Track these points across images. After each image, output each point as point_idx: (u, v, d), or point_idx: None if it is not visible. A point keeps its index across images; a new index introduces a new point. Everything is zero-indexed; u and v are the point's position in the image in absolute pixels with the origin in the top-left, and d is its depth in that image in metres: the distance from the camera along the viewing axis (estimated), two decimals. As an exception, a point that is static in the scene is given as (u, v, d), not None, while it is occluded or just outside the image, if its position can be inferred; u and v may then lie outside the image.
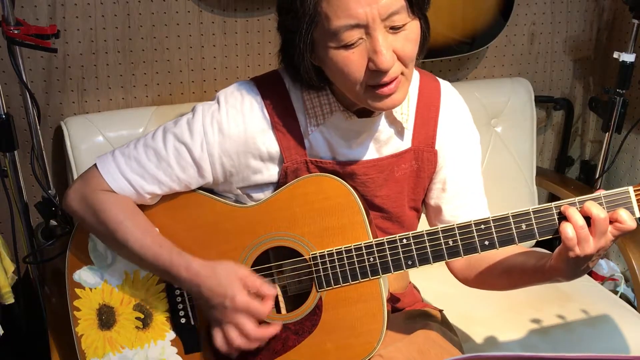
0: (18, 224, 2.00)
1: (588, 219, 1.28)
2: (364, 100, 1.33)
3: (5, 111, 1.85)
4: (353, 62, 1.26)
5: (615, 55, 2.43)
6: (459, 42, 2.41)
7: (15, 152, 1.91)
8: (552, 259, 1.35)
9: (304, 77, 1.36)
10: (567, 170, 2.95)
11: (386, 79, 1.27)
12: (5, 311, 2.04)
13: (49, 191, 1.98)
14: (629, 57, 2.40)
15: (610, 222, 1.29)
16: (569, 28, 2.71)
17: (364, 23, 1.23)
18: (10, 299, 1.93)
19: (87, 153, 2.04)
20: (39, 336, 2.07)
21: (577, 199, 1.32)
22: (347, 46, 1.25)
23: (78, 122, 2.09)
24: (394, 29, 1.25)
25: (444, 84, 1.56)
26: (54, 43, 1.84)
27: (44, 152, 2.03)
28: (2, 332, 1.87)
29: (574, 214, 1.29)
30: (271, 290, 1.40)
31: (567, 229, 1.28)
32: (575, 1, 2.67)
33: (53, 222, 2.02)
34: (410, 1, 1.26)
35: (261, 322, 1.42)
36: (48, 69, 2.13)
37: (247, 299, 1.38)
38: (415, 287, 1.78)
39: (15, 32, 1.75)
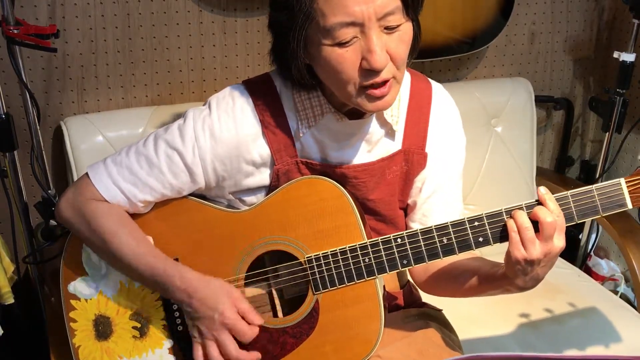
0: (18, 224, 2.00)
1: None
2: (355, 101, 1.32)
3: (5, 111, 1.85)
4: (346, 60, 1.26)
5: (615, 55, 2.44)
6: (459, 42, 2.41)
7: (15, 152, 1.91)
8: (504, 266, 1.36)
9: (295, 75, 1.35)
10: (567, 170, 2.95)
11: (378, 79, 1.27)
12: (5, 311, 2.04)
13: (49, 191, 1.99)
14: (629, 57, 2.41)
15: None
16: (569, 28, 2.72)
17: (359, 21, 1.23)
18: (10, 299, 1.93)
19: (87, 153, 2.04)
20: (38, 336, 2.08)
21: (569, 192, 1.33)
22: (342, 44, 1.25)
23: (78, 122, 2.09)
24: (389, 29, 1.26)
25: (436, 86, 1.56)
26: (54, 43, 1.84)
27: (43, 152, 2.03)
28: (2, 332, 1.87)
29: (521, 216, 1.30)
30: (259, 320, 1.42)
31: (510, 223, 1.31)
32: (575, 1, 2.67)
33: (53, 222, 2.02)
34: (405, 3, 1.26)
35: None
36: (48, 69, 2.14)
37: (236, 317, 1.39)
38: (413, 286, 1.78)
39: (15, 31, 1.76)
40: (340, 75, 1.28)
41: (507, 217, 1.33)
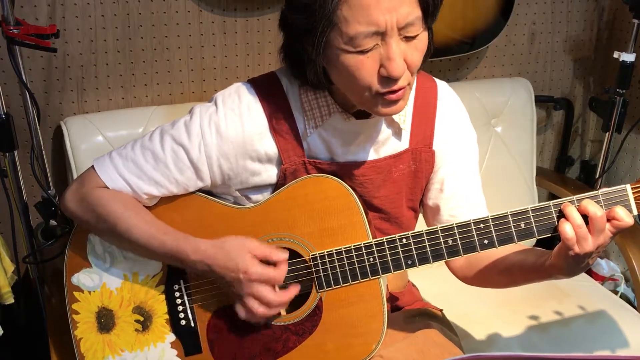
0: (18, 224, 2.00)
1: (586, 217, 1.29)
2: (369, 105, 1.33)
3: (5, 111, 1.85)
4: (365, 67, 1.26)
5: (615, 55, 2.44)
6: (459, 42, 2.41)
7: (15, 152, 1.91)
8: (552, 257, 1.36)
9: (310, 77, 1.35)
10: (567, 170, 2.95)
11: (395, 87, 1.28)
12: (5, 311, 2.04)
13: (49, 191, 1.99)
14: (629, 57, 2.41)
15: (608, 220, 1.29)
16: (569, 28, 2.72)
17: (382, 30, 1.23)
18: (10, 299, 1.93)
19: (87, 153, 2.04)
20: (39, 336, 2.07)
21: (575, 197, 1.32)
22: (363, 52, 1.25)
23: (78, 122, 2.09)
24: (407, 38, 1.26)
25: (441, 84, 1.56)
26: (54, 43, 1.84)
27: (43, 152, 2.03)
28: (2, 332, 1.87)
29: (572, 212, 1.29)
30: (282, 255, 1.40)
31: (566, 228, 1.29)
32: (575, 1, 2.67)
33: (53, 222, 2.02)
34: (425, 13, 1.27)
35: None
36: (48, 69, 2.13)
37: (260, 269, 1.37)
38: (414, 286, 1.79)
39: (15, 31, 1.75)
40: (357, 81, 1.28)
41: (512, 220, 1.34)
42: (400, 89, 1.28)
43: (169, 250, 1.41)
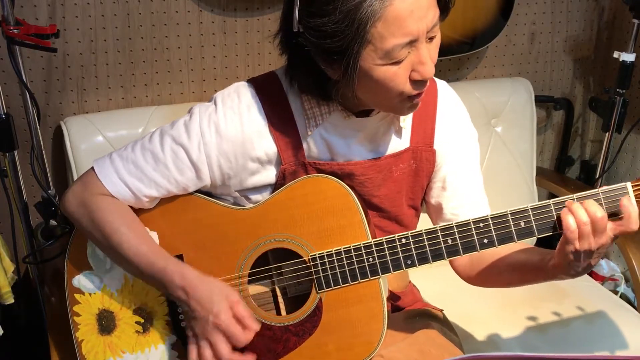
0: (18, 224, 2.00)
1: None
2: (396, 109, 1.36)
3: (5, 111, 1.85)
4: (399, 76, 1.28)
5: (615, 55, 2.44)
6: (459, 42, 2.41)
7: (15, 152, 1.91)
8: (554, 257, 1.36)
9: (333, 94, 1.36)
10: (567, 170, 2.95)
11: (425, 87, 1.31)
12: (5, 311, 2.04)
13: (49, 191, 1.98)
14: (629, 57, 2.41)
15: (613, 220, 1.29)
16: (569, 28, 2.72)
17: (415, 38, 1.24)
18: (10, 299, 1.93)
19: (87, 153, 2.04)
20: (39, 336, 2.07)
21: (575, 195, 1.32)
22: (397, 62, 1.26)
23: (78, 122, 2.09)
24: (431, 38, 1.29)
25: (441, 83, 1.57)
26: (54, 43, 1.84)
27: (43, 152, 2.03)
28: (2, 332, 1.87)
29: (578, 209, 1.29)
30: (255, 325, 1.41)
31: (569, 220, 1.29)
32: (575, 1, 2.67)
33: (53, 222, 2.02)
34: (442, 11, 1.29)
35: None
36: (48, 69, 2.13)
37: (231, 321, 1.38)
38: (414, 287, 1.78)
39: (15, 31, 1.75)
40: (391, 90, 1.30)
41: (512, 219, 1.34)
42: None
43: (156, 270, 1.41)
